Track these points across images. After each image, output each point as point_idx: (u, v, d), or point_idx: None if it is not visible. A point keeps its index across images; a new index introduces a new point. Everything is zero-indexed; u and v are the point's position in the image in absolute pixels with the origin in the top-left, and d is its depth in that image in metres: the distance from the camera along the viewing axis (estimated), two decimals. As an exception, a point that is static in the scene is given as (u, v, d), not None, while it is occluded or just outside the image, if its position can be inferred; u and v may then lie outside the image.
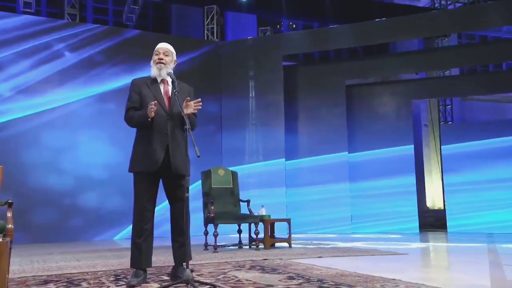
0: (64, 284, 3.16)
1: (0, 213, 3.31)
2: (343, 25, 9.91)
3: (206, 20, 10.49)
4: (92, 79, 8.71)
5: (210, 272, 3.62)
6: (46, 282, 3.28)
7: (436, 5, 11.49)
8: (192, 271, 2.94)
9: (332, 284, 2.99)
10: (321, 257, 4.76)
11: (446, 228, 9.43)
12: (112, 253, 5.50)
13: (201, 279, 3.23)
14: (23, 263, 4.57)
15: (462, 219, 9.30)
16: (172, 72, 3.24)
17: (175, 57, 3.38)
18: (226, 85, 9.72)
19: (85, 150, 8.32)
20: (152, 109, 2.96)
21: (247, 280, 3.22)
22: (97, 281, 3.26)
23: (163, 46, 3.34)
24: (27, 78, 8.31)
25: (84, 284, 3.14)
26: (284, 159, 9.22)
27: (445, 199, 10.10)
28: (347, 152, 9.47)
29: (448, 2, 11.47)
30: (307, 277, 3.31)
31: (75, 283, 3.20)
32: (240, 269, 3.81)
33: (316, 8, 11.26)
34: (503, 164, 9.18)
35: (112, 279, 3.35)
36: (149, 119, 3.01)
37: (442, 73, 11.15)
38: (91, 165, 8.33)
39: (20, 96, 8.16)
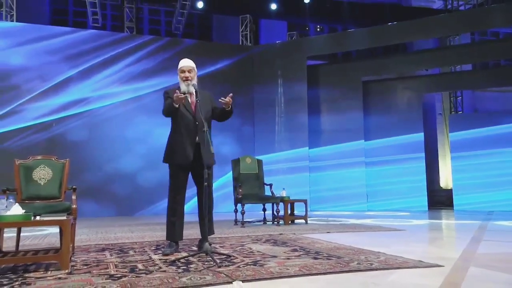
0: (116, 251, 3.55)
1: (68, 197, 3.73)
2: (359, 29, 9.83)
3: (241, 28, 10.69)
4: (155, 76, 9.15)
5: (231, 244, 3.89)
6: (103, 249, 3.68)
7: (449, 6, 11.08)
8: (210, 244, 3.22)
9: (325, 256, 3.19)
10: (329, 232, 4.92)
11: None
12: (160, 227, 5.87)
13: (221, 250, 3.51)
14: (90, 233, 5.04)
15: (467, 198, 9.23)
16: (196, 83, 3.51)
17: (196, 70, 3.61)
18: (257, 83, 9.93)
19: (153, 134, 8.58)
20: (178, 96, 3.22)
21: (258, 251, 3.46)
22: (141, 249, 3.63)
23: (187, 64, 3.54)
24: (108, 78, 8.97)
25: (131, 252, 3.51)
26: (307, 148, 9.36)
27: (452, 180, 9.98)
28: (363, 140, 9.50)
29: (460, 3, 11.04)
30: (308, 250, 3.51)
31: (125, 250, 3.58)
32: (257, 242, 4.04)
33: (337, 13, 11.17)
34: (505, 148, 9.06)
35: (153, 248, 3.71)
36: (176, 105, 3.30)
37: (453, 68, 10.81)
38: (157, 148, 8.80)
39: (101, 91, 8.86)
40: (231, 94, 3.43)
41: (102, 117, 8.81)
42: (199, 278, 2.43)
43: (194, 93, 3.45)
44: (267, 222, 6.17)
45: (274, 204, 6.01)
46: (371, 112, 9.78)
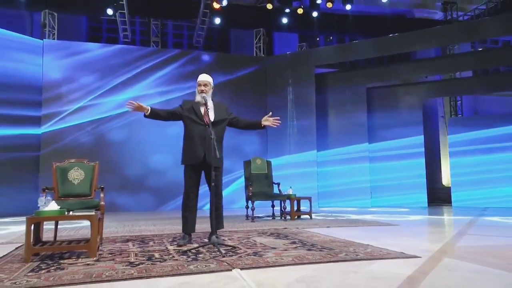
0: (138, 242, 3.78)
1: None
2: (363, 40, 9.89)
3: (255, 40, 10.87)
4: (178, 84, 9.41)
5: (238, 237, 4.05)
6: (127, 240, 3.92)
7: (449, 17, 10.97)
8: (217, 237, 3.41)
9: (318, 248, 3.32)
10: (328, 227, 5.01)
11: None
12: (179, 221, 6.10)
13: (228, 242, 3.68)
14: (118, 226, 5.30)
15: (465, 195, 9.21)
16: (210, 96, 3.71)
17: (212, 84, 3.82)
18: (270, 90, 10.07)
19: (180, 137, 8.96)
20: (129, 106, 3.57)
21: (261, 243, 3.62)
22: (160, 241, 3.85)
23: (204, 79, 3.75)
24: (139, 87, 9.29)
25: (151, 243, 3.73)
26: (315, 150, 9.44)
27: (451, 179, 9.93)
28: (367, 143, 9.53)
29: (459, 14, 10.91)
30: (305, 242, 3.64)
31: (145, 241, 3.81)
32: (262, 235, 4.18)
33: (344, 26, 11.24)
34: (499, 149, 9.05)
35: (170, 240, 3.92)
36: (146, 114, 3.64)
37: (453, 75, 10.72)
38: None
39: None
40: (277, 118, 3.73)
41: (135, 120, 9.14)
42: (204, 266, 2.62)
43: (206, 104, 3.64)
44: (276, 218, 6.29)
45: (282, 201, 6.15)
46: (374, 117, 9.79)
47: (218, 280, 2.26)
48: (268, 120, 3.67)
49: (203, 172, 3.75)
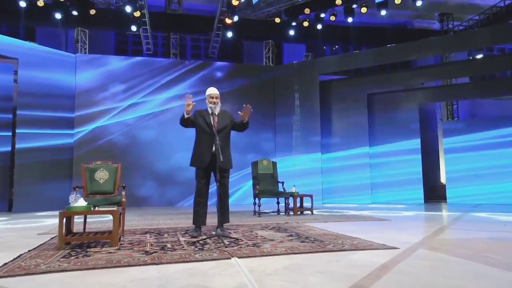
0: (155, 234, 4.00)
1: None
2: (363, 50, 9.96)
3: (265, 51, 11.06)
4: (196, 89, 9.57)
5: (243, 230, 4.22)
6: (146, 232, 4.15)
7: (445, 27, 10.92)
8: (222, 230, 3.61)
9: (311, 240, 3.47)
10: (326, 222, 5.11)
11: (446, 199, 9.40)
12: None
13: (233, 234, 3.87)
14: (140, 220, 5.56)
15: (458, 192, 9.24)
16: (219, 107, 3.91)
17: (219, 96, 4.01)
18: (278, 96, 10.22)
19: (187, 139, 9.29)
20: (187, 104, 3.68)
21: (261, 236, 3.78)
22: (173, 233, 4.06)
23: (214, 92, 3.95)
24: (160, 92, 9.61)
25: (165, 235, 3.95)
26: (320, 153, 9.55)
27: (446, 177, 9.94)
28: (368, 146, 9.58)
29: (455, 24, 10.84)
30: (301, 235, 3.78)
31: (161, 233, 4.03)
32: (264, 229, 4.33)
33: (347, 36, 11.33)
34: (490, 150, 9.16)
35: (183, 232, 4.13)
36: (186, 116, 3.74)
37: (449, 81, 10.68)
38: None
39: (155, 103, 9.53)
40: (248, 105, 3.79)
41: (158, 122, 9.44)
42: (208, 255, 2.82)
43: (214, 114, 3.84)
44: (280, 213, 6.43)
45: (286, 198, 6.31)
46: (375, 121, 9.85)
47: (218, 267, 2.45)
48: (244, 114, 3.83)
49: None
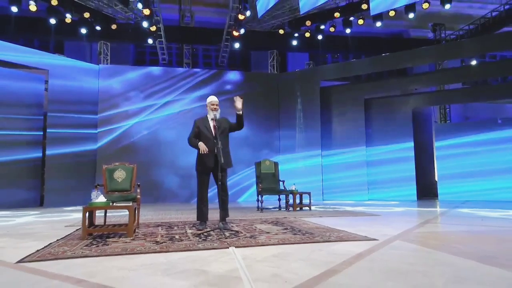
0: (166, 227, 4.22)
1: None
2: (360, 59, 10.09)
3: (270, 59, 11.25)
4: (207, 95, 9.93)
5: (244, 224, 4.37)
6: (158, 225, 4.38)
7: (438, 37, 10.93)
8: (224, 223, 3.81)
9: (303, 233, 3.61)
10: (321, 217, 5.21)
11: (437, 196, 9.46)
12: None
13: (234, 227, 4.05)
14: (154, 215, 5.79)
15: (449, 189, 9.30)
16: (218, 113, 4.11)
17: (218, 103, 4.22)
18: (282, 101, 10.38)
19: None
20: (203, 150, 3.89)
21: (259, 229, 3.94)
22: (182, 226, 4.27)
23: (214, 99, 4.15)
24: (176, 98, 9.85)
25: (175, 227, 4.16)
26: (320, 151, 9.69)
27: (438, 175, 9.96)
28: (365, 147, 9.67)
29: (447, 33, 10.84)
30: (294, 228, 3.92)
31: (171, 226, 4.24)
32: (263, 223, 4.46)
33: (346, 46, 11.44)
34: (478, 150, 9.17)
35: (191, 225, 4.33)
36: (200, 151, 3.94)
37: (442, 87, 10.69)
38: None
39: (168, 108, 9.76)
40: (237, 96, 3.96)
41: (175, 124, 9.70)
42: (209, 245, 3.03)
43: (215, 120, 4.06)
44: (281, 209, 6.58)
45: (286, 195, 6.47)
46: (371, 124, 9.94)
47: (216, 255, 2.65)
48: (237, 105, 3.94)
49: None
